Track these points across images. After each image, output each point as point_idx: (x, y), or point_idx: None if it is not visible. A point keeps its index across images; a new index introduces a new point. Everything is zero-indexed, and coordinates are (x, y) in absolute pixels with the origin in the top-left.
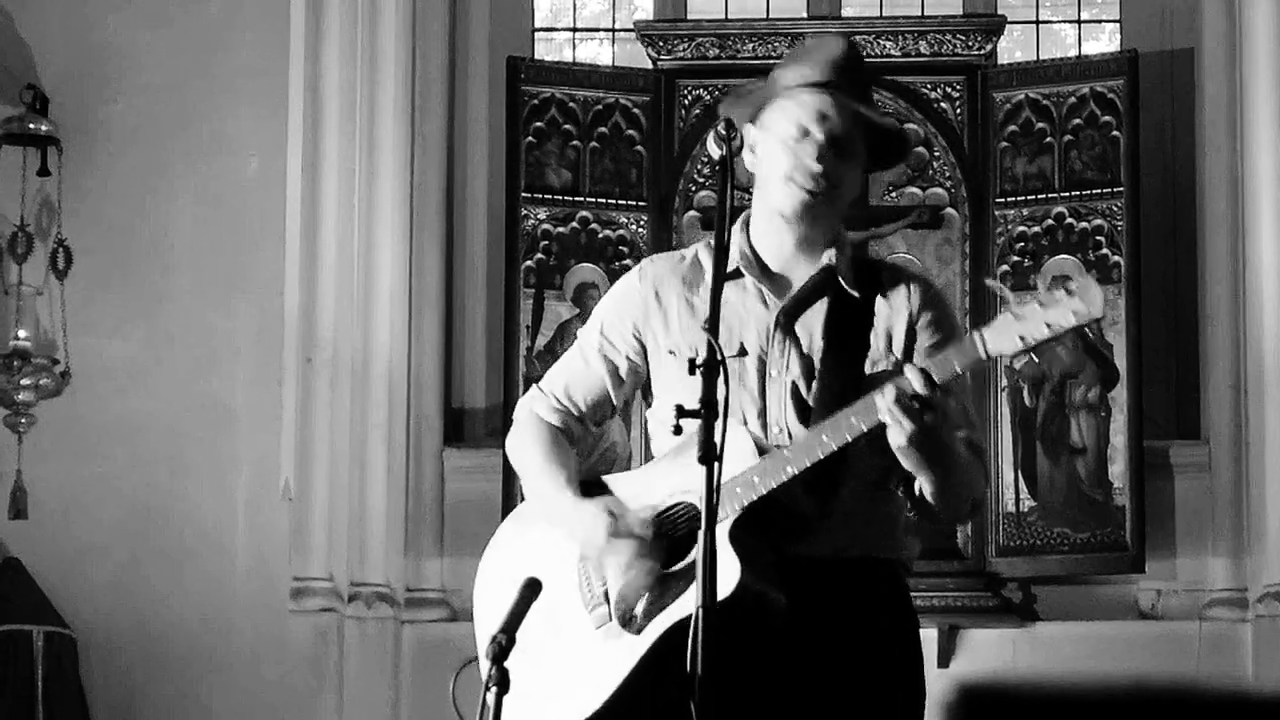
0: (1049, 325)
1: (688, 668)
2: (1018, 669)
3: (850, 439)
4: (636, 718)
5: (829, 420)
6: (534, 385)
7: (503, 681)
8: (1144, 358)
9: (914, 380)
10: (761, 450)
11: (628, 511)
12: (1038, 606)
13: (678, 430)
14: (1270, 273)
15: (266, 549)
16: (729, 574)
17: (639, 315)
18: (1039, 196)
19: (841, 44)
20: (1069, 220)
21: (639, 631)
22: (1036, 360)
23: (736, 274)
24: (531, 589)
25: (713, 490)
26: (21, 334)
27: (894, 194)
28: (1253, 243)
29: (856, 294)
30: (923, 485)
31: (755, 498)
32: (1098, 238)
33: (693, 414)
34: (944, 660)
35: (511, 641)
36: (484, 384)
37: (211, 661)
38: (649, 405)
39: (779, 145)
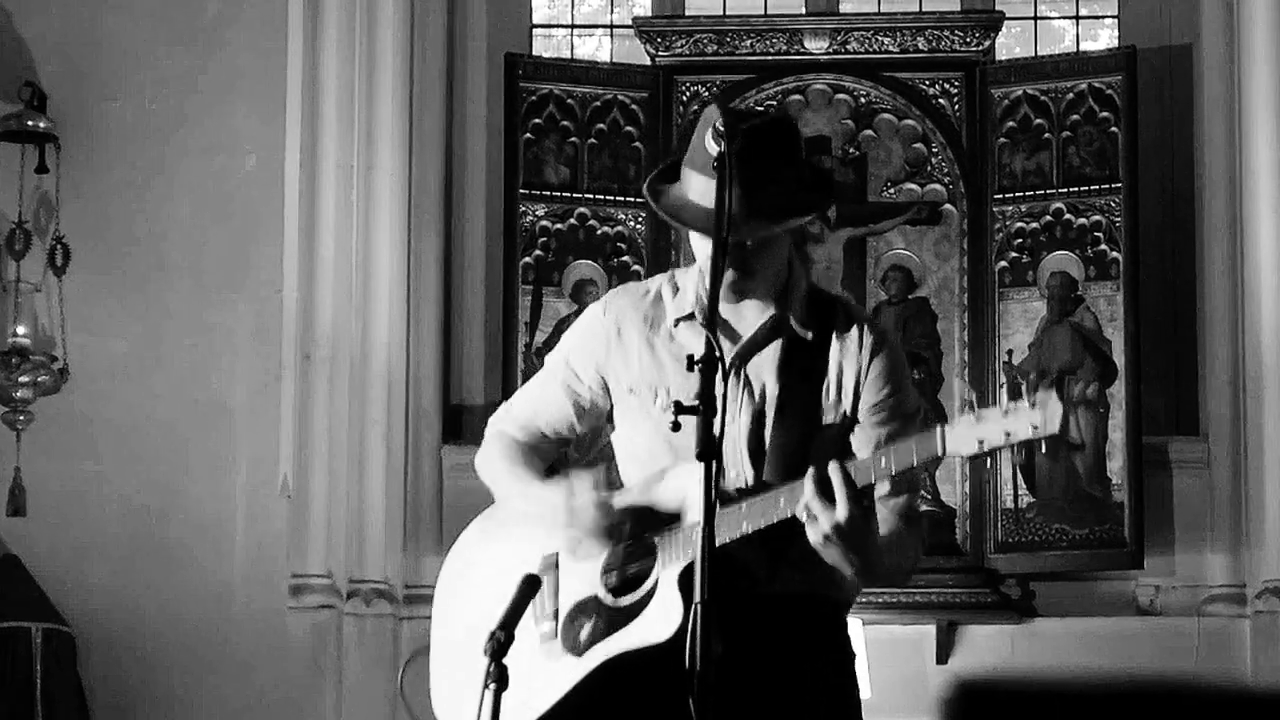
0: (1007, 434)
1: (686, 665)
2: (1016, 665)
3: (798, 512)
4: None
5: (788, 486)
6: (502, 405)
7: (501, 678)
8: (1142, 354)
9: (835, 477)
10: (724, 499)
11: (591, 487)
12: (1036, 603)
13: (675, 426)
14: (1269, 269)
15: (265, 546)
16: (671, 616)
17: (601, 352)
18: (1037, 193)
19: (712, 145)
20: (1067, 216)
21: (580, 655)
22: (990, 463)
23: (691, 316)
24: (530, 585)
25: (711, 486)
26: (20, 331)
27: (892, 190)
28: (1251, 239)
29: (809, 336)
30: (841, 568)
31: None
32: (1096, 234)
33: (690, 409)
34: (943, 656)
35: (510, 638)
36: (483, 381)
37: (210, 658)
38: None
39: (698, 239)
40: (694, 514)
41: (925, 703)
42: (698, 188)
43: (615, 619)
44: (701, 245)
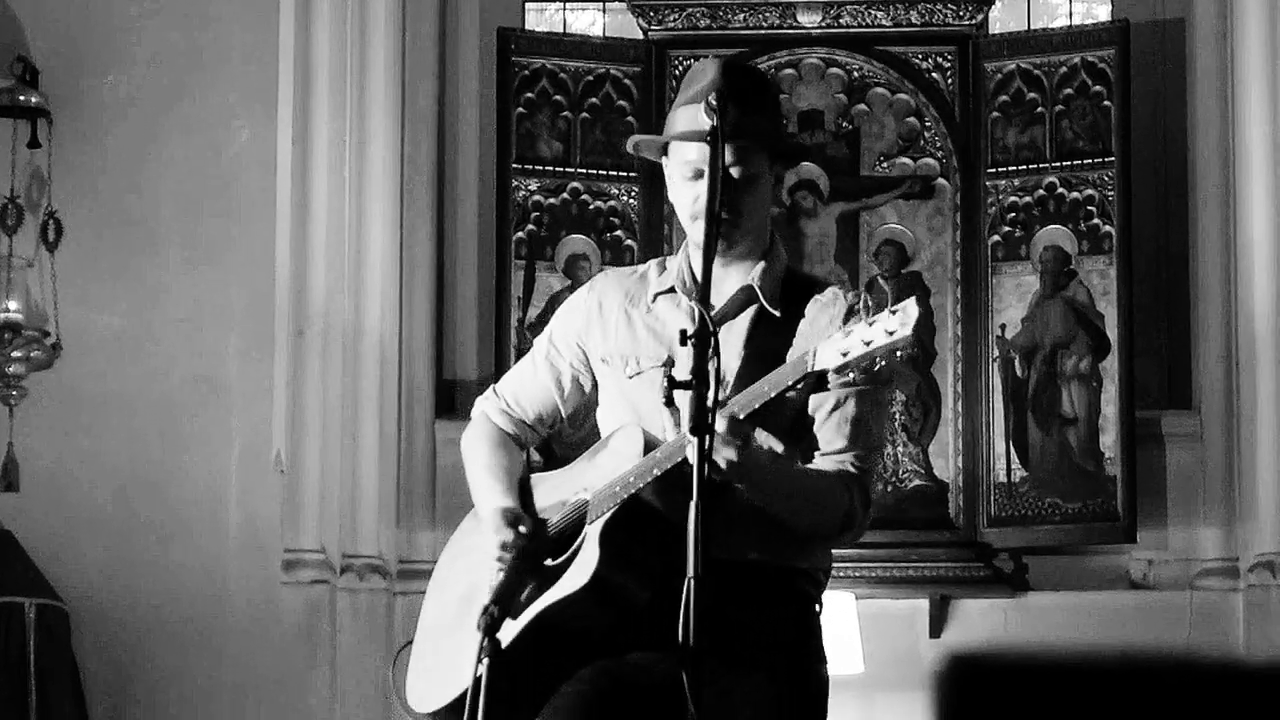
0: (866, 343)
1: (679, 639)
2: (1009, 639)
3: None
4: (517, 694)
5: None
6: (490, 386)
7: (495, 653)
8: (1135, 328)
9: (727, 412)
10: (649, 448)
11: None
12: (1029, 577)
13: (669, 401)
14: (1261, 242)
15: (258, 521)
16: (586, 566)
17: (581, 324)
18: (1030, 167)
19: (713, 80)
20: (1060, 190)
21: (516, 618)
22: (854, 377)
23: (671, 290)
24: (525, 562)
25: (703, 460)
26: (12, 306)
27: (885, 164)
28: (1244, 212)
29: (778, 313)
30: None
31: (626, 496)
32: (1089, 208)
33: (684, 384)
34: (935, 630)
35: (504, 613)
36: (475, 356)
37: (204, 633)
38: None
39: (681, 183)
40: (619, 465)
41: (918, 676)
42: (685, 116)
43: (549, 579)
44: (682, 190)
